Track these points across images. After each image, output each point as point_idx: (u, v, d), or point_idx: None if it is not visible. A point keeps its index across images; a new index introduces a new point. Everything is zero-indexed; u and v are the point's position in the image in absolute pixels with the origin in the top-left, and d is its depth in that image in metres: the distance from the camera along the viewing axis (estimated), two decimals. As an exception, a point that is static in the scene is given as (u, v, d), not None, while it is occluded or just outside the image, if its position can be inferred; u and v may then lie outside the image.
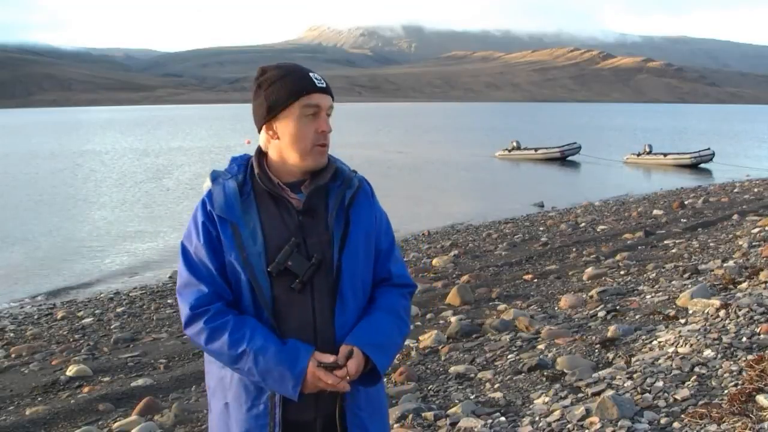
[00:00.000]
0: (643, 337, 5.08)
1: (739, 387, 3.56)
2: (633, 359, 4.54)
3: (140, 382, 6.00)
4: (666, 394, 3.74)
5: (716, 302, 5.32)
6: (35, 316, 9.52)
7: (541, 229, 13.83)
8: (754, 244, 8.79)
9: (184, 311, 1.92)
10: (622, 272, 8.49)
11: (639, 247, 10.49)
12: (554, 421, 3.72)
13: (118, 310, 9.42)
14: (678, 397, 3.68)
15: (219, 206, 1.90)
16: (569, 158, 33.30)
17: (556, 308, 7.01)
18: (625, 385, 4.00)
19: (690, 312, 5.48)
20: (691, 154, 30.25)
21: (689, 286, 6.47)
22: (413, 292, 2.14)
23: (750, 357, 3.96)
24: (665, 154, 31.21)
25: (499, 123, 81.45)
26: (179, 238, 2.02)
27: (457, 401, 4.48)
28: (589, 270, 8.78)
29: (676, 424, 3.37)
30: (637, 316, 5.87)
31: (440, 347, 5.92)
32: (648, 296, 6.67)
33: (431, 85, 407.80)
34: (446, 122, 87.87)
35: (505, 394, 4.46)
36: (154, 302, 9.78)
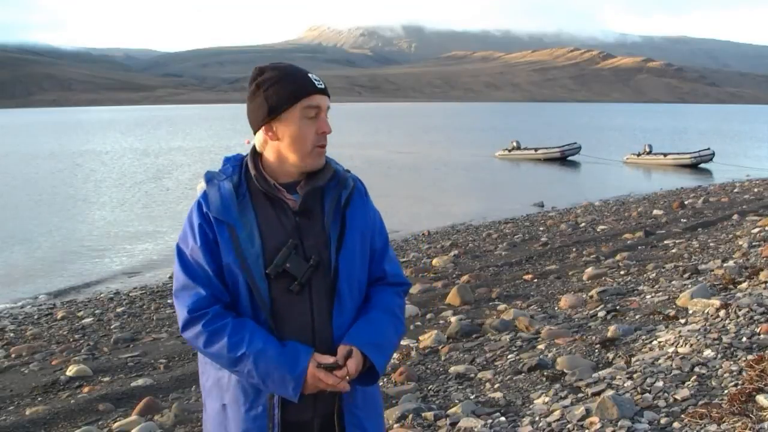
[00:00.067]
0: (643, 337, 5.08)
1: (739, 387, 3.56)
2: (633, 359, 4.54)
3: (140, 382, 5.99)
4: (666, 394, 3.74)
5: (716, 302, 5.32)
6: (35, 316, 9.52)
7: (541, 229, 13.82)
8: (754, 244, 8.79)
9: (181, 314, 1.91)
10: (622, 272, 8.49)
11: (639, 247, 10.49)
12: (554, 421, 3.72)
13: (118, 310, 9.42)
14: (678, 397, 3.67)
15: (215, 208, 1.89)
16: (569, 158, 33.29)
17: (556, 308, 7.01)
18: (625, 385, 3.99)
19: (690, 312, 5.48)
20: (691, 154, 30.23)
21: (689, 286, 6.46)
22: (407, 290, 2.15)
23: (750, 357, 3.95)
24: (665, 154, 31.20)
25: (499, 123, 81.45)
26: (179, 238, 2.01)
27: (457, 401, 4.48)
28: (589, 270, 8.78)
29: (676, 424, 3.37)
30: (637, 316, 5.87)
31: (440, 347, 5.92)
32: (648, 296, 6.67)
33: (431, 85, 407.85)
34: (446, 122, 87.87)
35: (505, 394, 4.46)
36: (154, 302, 9.78)
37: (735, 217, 12.80)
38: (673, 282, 7.12)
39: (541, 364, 4.86)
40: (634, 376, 4.10)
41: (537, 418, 3.85)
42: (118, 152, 41.16)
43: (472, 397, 4.54)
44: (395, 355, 5.70)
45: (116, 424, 4.96)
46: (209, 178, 1.96)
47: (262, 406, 1.89)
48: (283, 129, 1.92)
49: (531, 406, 4.12)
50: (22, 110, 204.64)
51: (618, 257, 9.62)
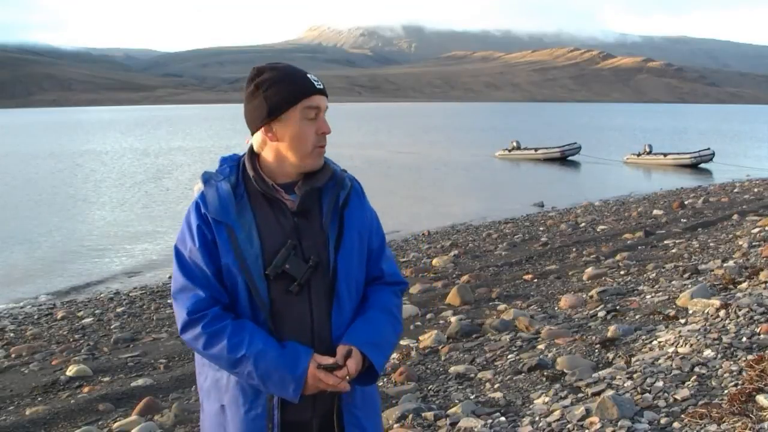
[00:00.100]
0: (643, 337, 5.08)
1: (739, 387, 3.56)
2: (633, 359, 4.54)
3: (140, 382, 5.99)
4: (666, 394, 3.74)
5: (716, 302, 5.32)
6: (35, 316, 9.52)
7: (541, 229, 13.82)
8: (754, 244, 8.79)
9: (180, 316, 1.90)
10: (622, 272, 8.49)
11: (639, 247, 10.49)
12: (554, 421, 3.72)
13: (118, 310, 9.42)
14: (678, 397, 3.67)
15: (214, 209, 1.88)
16: (569, 158, 33.29)
17: (556, 308, 7.01)
18: (625, 385, 3.99)
19: (690, 312, 5.48)
20: (691, 154, 30.23)
21: (689, 286, 6.46)
22: (405, 289, 2.16)
23: (750, 357, 3.95)
24: (665, 154, 31.20)
25: (499, 123, 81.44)
26: (178, 239, 2.01)
27: (457, 401, 4.47)
28: (589, 270, 8.78)
29: (676, 424, 3.37)
30: (637, 316, 5.87)
31: (440, 347, 5.92)
32: (648, 296, 6.67)
33: (431, 85, 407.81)
34: (446, 122, 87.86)
35: (505, 394, 4.46)
36: (154, 302, 9.79)
37: (735, 217, 12.80)
38: (673, 282, 7.13)
39: (541, 364, 4.86)
40: (634, 376, 4.10)
41: (537, 418, 3.85)
42: (118, 152, 41.16)
43: (472, 397, 4.54)
44: (395, 355, 5.70)
45: (116, 424, 4.96)
46: (206, 178, 1.95)
47: (261, 406, 1.89)
48: (283, 130, 1.92)
49: (531, 406, 4.12)
50: (22, 110, 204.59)
51: (618, 257, 9.62)
